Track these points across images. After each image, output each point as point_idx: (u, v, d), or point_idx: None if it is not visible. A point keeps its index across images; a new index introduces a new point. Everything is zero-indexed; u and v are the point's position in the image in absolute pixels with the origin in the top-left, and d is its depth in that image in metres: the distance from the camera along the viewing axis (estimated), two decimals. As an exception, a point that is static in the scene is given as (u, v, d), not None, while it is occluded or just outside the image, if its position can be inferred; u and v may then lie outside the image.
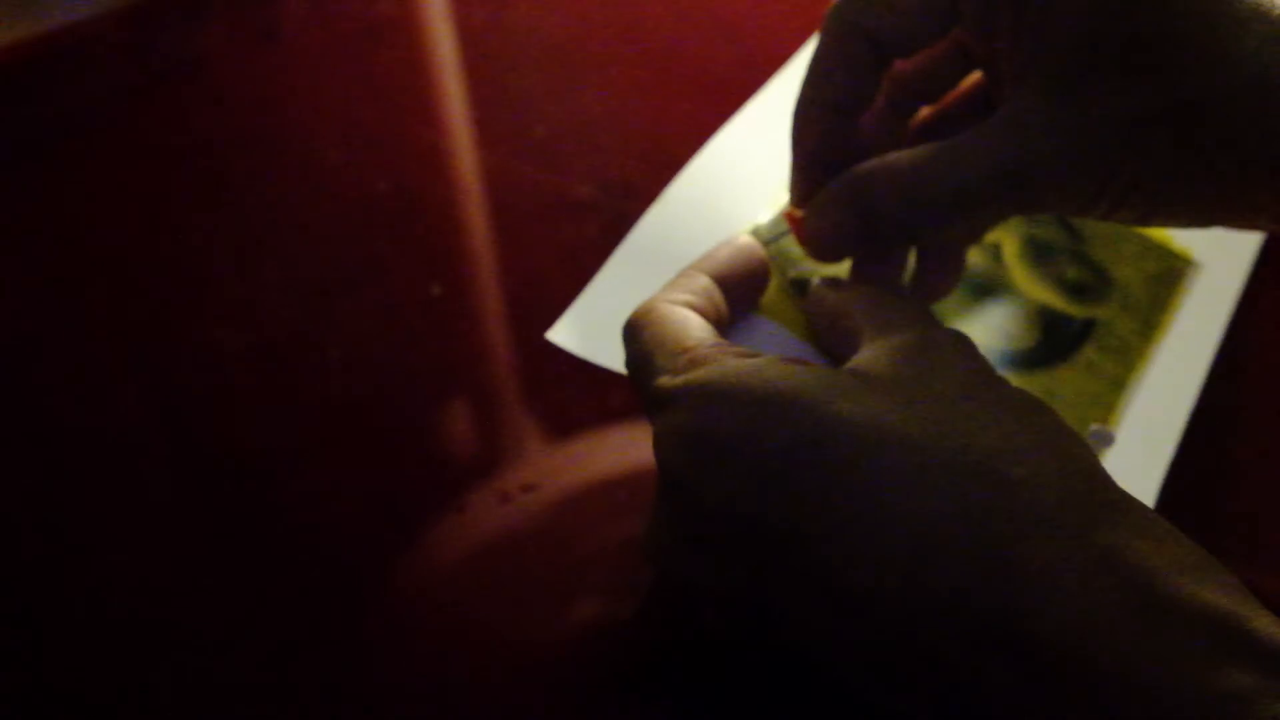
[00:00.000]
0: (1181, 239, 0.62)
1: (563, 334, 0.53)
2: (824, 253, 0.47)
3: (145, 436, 0.60)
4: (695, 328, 0.45)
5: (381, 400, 0.61)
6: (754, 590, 0.38)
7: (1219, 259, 0.62)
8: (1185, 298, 0.60)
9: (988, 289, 0.58)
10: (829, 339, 0.47)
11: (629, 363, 0.46)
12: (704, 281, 0.48)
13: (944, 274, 0.51)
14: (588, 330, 0.53)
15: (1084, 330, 0.57)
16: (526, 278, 0.67)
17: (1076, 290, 0.59)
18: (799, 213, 0.49)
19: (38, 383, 0.62)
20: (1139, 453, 0.54)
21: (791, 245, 0.52)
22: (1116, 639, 0.32)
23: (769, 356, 0.40)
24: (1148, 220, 0.42)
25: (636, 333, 0.46)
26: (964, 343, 0.40)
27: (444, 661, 0.53)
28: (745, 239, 0.50)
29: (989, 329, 0.57)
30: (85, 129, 0.74)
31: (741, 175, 0.59)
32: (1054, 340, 0.57)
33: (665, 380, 0.42)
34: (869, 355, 0.40)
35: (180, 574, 0.56)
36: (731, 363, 0.40)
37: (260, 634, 0.54)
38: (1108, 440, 0.54)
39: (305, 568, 0.55)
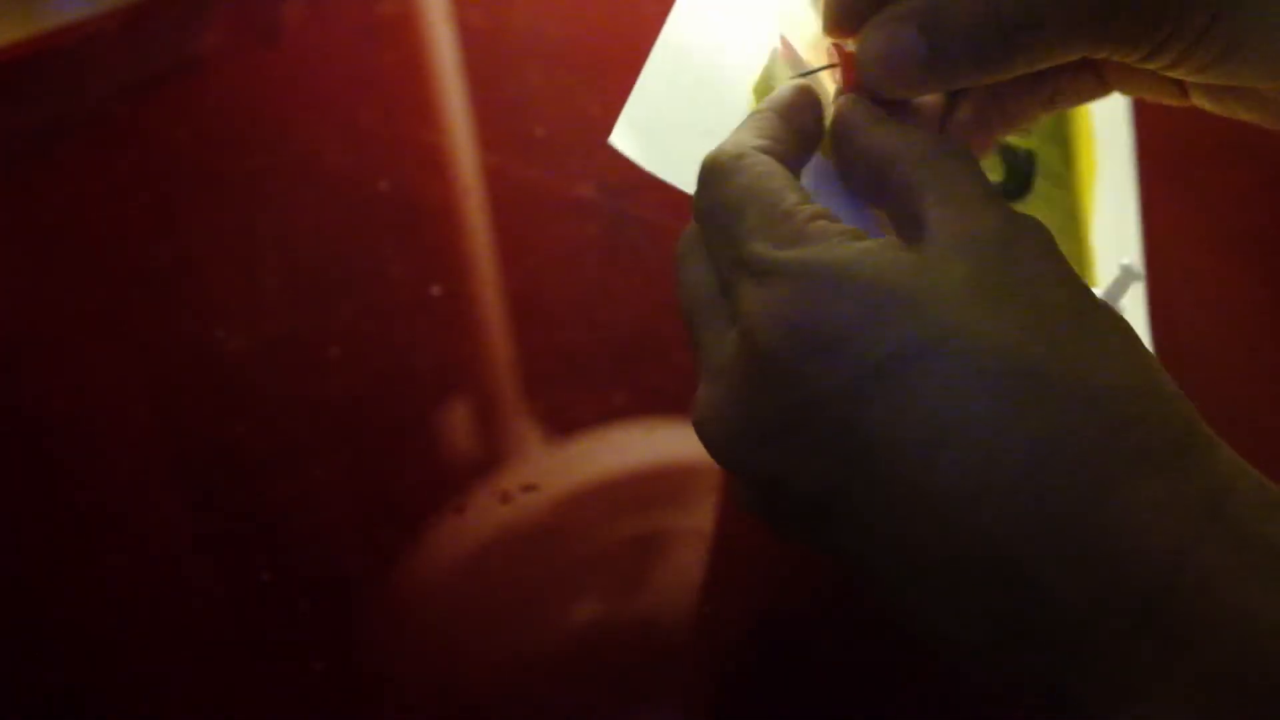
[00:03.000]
0: None
1: (622, 138, 0.48)
2: (882, 83, 0.43)
3: (145, 436, 0.60)
4: (792, 189, 0.41)
5: (381, 400, 0.61)
6: (829, 486, 0.37)
7: None
8: (1089, 124, 0.59)
9: None
10: (864, 182, 0.43)
11: (710, 208, 0.42)
12: (781, 125, 0.44)
13: (983, 132, 0.47)
14: (649, 136, 0.47)
15: (1030, 160, 0.57)
16: (526, 278, 0.67)
17: None
18: (848, 43, 0.45)
19: (37, 382, 0.62)
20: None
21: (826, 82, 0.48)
22: (1224, 581, 0.33)
23: (876, 242, 0.38)
24: (1226, 61, 0.41)
25: (723, 179, 0.41)
26: (1048, 237, 0.39)
27: (444, 661, 0.53)
28: (803, 82, 0.46)
29: None
30: (85, 129, 0.74)
31: None
32: (1014, 173, 0.57)
33: (766, 249, 0.39)
34: (951, 242, 0.38)
35: (179, 573, 0.56)
36: (841, 248, 0.38)
37: (260, 633, 0.54)
38: (1136, 276, 0.55)
39: (305, 567, 0.55)
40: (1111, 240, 0.57)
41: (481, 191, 0.72)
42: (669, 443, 0.62)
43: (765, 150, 0.42)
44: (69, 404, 0.61)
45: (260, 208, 0.70)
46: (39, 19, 0.78)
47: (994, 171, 0.57)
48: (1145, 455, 0.34)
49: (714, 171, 0.42)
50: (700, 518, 0.60)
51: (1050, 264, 0.38)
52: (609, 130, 0.45)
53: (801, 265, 0.38)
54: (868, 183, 0.43)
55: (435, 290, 0.66)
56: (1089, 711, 0.34)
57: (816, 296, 0.37)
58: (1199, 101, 0.46)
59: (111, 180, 0.71)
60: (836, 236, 0.39)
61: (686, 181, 0.45)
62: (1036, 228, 0.39)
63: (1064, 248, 0.40)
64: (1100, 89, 0.49)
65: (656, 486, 0.60)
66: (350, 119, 0.75)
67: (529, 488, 0.58)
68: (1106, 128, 0.61)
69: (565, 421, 0.61)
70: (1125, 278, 0.55)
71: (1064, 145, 0.58)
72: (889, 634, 0.57)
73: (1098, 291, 0.54)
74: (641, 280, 0.67)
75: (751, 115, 0.44)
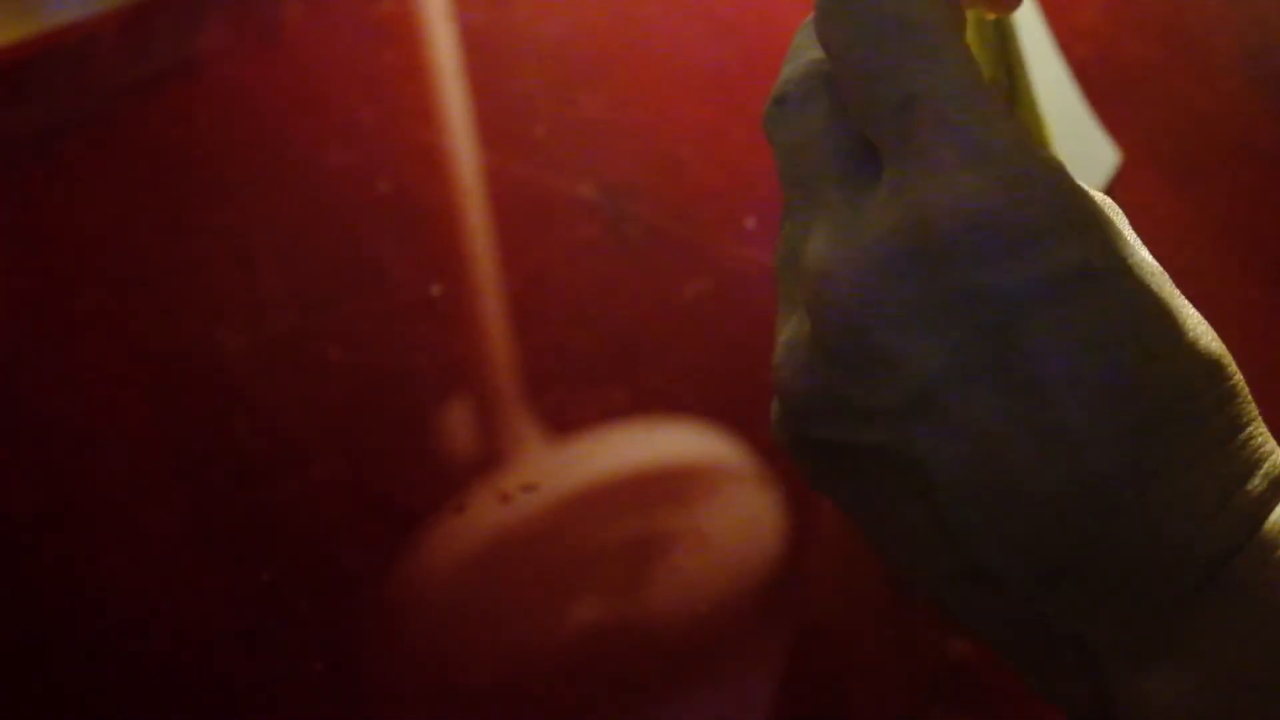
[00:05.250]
0: None
1: None
2: None
3: (145, 436, 0.60)
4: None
5: (381, 400, 0.61)
6: (946, 375, 0.35)
7: None
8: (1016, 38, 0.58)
9: None
10: None
11: (868, 19, 0.36)
12: None
13: None
14: None
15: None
16: (526, 278, 0.67)
17: None
18: None
19: (37, 382, 0.62)
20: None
21: None
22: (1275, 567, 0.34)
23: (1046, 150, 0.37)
24: None
25: (895, 7, 0.36)
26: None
27: (444, 662, 0.53)
28: None
29: None
30: (85, 129, 0.74)
31: None
32: None
33: (975, 117, 0.35)
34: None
35: (179, 573, 0.56)
36: (1042, 151, 0.36)
37: (260, 633, 0.54)
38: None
39: (305, 568, 0.55)
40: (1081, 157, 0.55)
41: (481, 191, 0.72)
42: (669, 443, 0.62)
43: None
44: (69, 404, 0.61)
45: (260, 207, 0.70)
46: (39, 19, 0.78)
47: None
48: (1230, 435, 0.35)
49: None
50: (700, 518, 0.60)
51: (1127, 228, 0.38)
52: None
53: (1016, 154, 0.35)
54: None
55: (435, 290, 0.66)
56: (1111, 674, 0.35)
57: (1022, 192, 0.35)
58: None
59: (111, 180, 0.71)
60: (1024, 133, 0.36)
61: None
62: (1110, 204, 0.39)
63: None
64: None
65: (656, 486, 0.60)
66: (350, 119, 0.75)
67: (529, 488, 0.58)
68: (1031, 46, 0.57)
69: (565, 421, 0.61)
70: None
71: (1009, 70, 0.56)
72: (889, 633, 0.57)
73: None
74: (641, 280, 0.67)
75: None
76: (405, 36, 0.81)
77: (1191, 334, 0.35)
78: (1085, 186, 0.36)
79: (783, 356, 0.38)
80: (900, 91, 0.36)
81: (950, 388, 0.35)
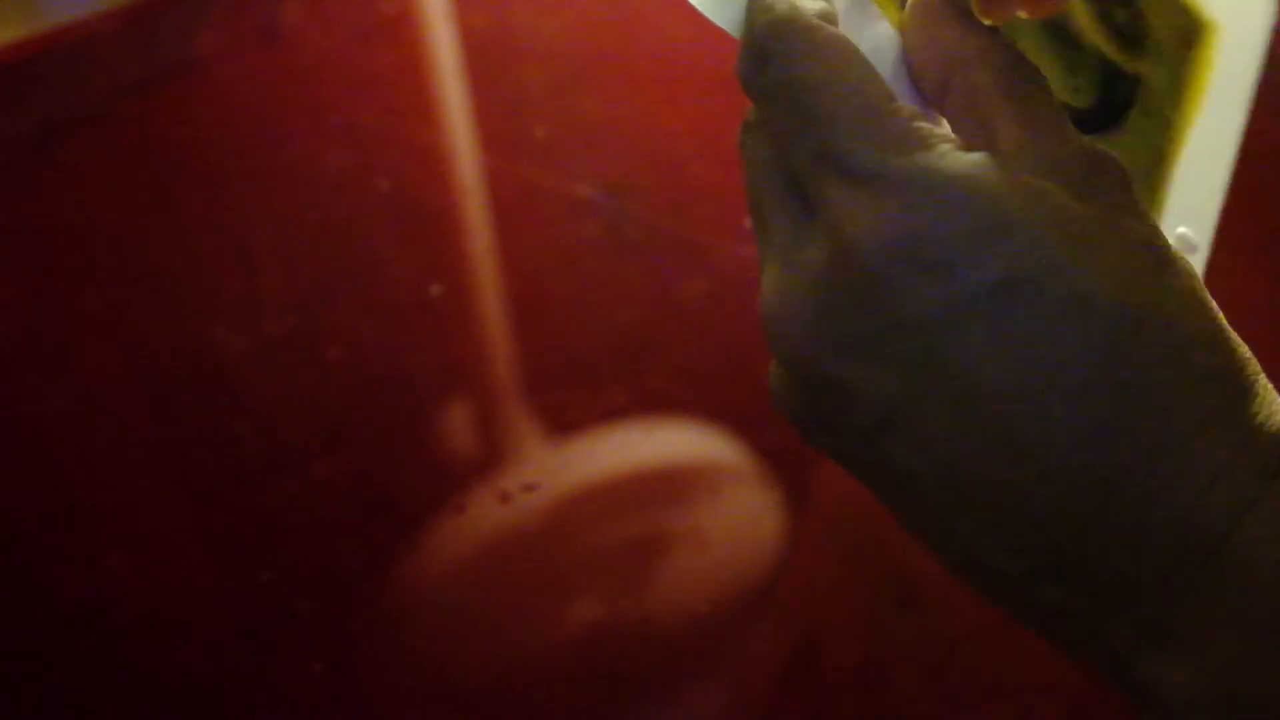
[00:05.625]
0: None
1: None
2: None
3: (145, 435, 0.60)
4: (877, 77, 0.38)
5: (381, 400, 0.61)
6: (900, 403, 0.36)
7: (1239, 19, 0.53)
8: (1212, 59, 0.55)
9: (1057, 29, 0.52)
10: (933, 74, 0.41)
11: (780, 86, 0.38)
12: None
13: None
14: None
15: (1132, 88, 0.53)
16: (526, 278, 0.67)
17: (1127, 36, 0.54)
18: None
19: (37, 381, 0.62)
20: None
21: None
22: (1276, 544, 0.34)
23: (982, 156, 0.37)
24: None
25: (799, 52, 0.38)
26: (1126, 176, 0.38)
27: (444, 661, 0.53)
28: None
29: (1057, 80, 0.52)
30: (85, 129, 0.74)
31: None
32: (1111, 100, 0.53)
33: (868, 152, 0.36)
34: (1038, 166, 0.37)
35: (178, 573, 0.56)
36: (952, 161, 0.36)
37: (260, 633, 0.54)
38: (1191, 248, 0.52)
39: (304, 567, 0.55)
40: (1185, 197, 0.54)
41: (481, 191, 0.72)
42: (669, 443, 0.62)
43: (823, 16, 0.39)
44: (69, 404, 0.61)
45: (260, 207, 0.70)
46: (39, 19, 0.78)
47: (1088, 92, 0.53)
48: (1219, 412, 0.35)
49: (784, 37, 0.38)
50: (700, 518, 0.60)
51: (1129, 201, 0.38)
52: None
53: (911, 178, 0.36)
54: (935, 76, 0.41)
55: (435, 290, 0.66)
56: (1122, 652, 0.35)
57: (926, 214, 0.36)
58: None
59: (111, 180, 0.71)
60: (942, 144, 0.37)
61: (732, 22, 0.40)
62: (1116, 164, 0.38)
63: (1140, 195, 0.39)
64: None
65: (656, 486, 0.60)
66: (350, 119, 0.75)
67: (529, 488, 0.58)
68: (1231, 57, 0.56)
69: (565, 421, 0.61)
70: (1179, 246, 0.52)
71: (1177, 70, 0.54)
72: (889, 633, 0.57)
73: None
74: (641, 280, 0.67)
75: None
76: (405, 36, 0.81)
77: (1156, 323, 0.35)
78: (1028, 181, 0.36)
79: (772, 378, 0.40)
80: (808, 150, 0.37)
81: (907, 410, 0.36)
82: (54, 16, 0.78)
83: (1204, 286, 0.37)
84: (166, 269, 0.67)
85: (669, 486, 0.61)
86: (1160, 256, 0.36)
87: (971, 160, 0.36)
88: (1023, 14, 0.46)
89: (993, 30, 0.42)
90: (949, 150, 0.37)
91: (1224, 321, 0.37)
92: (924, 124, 0.37)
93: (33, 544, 0.56)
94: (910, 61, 0.42)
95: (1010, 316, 0.35)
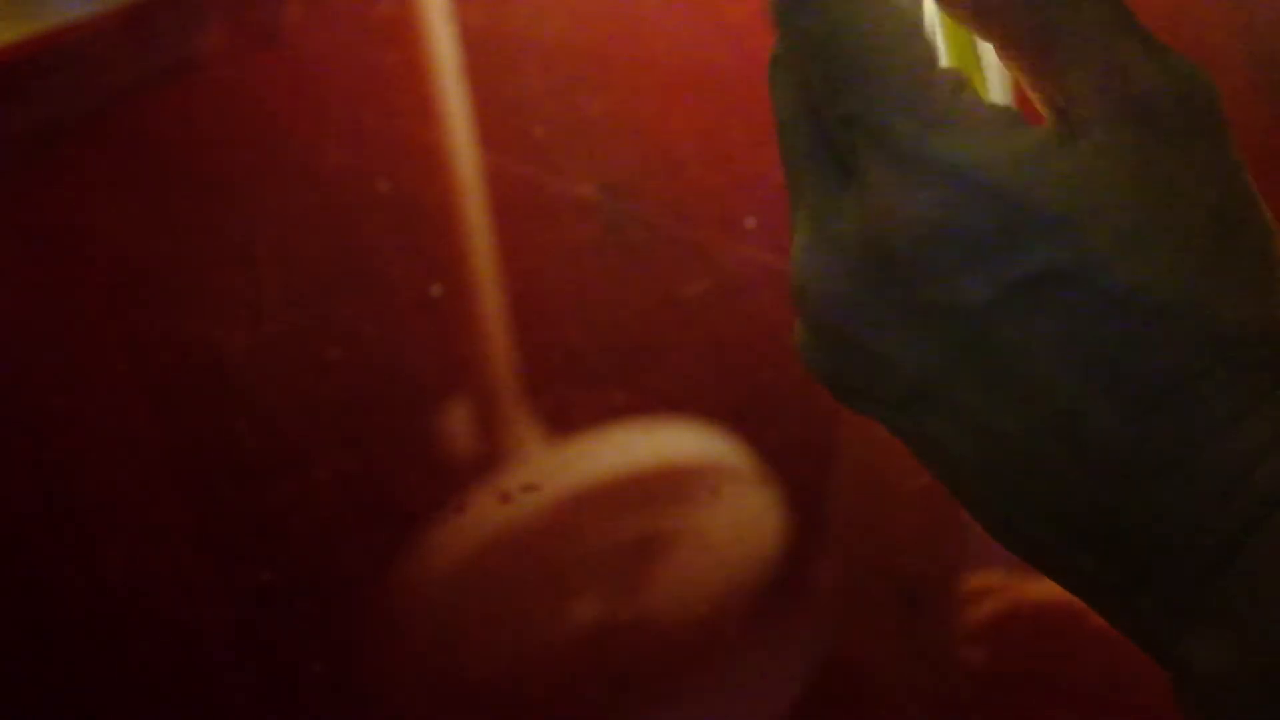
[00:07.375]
0: None
1: None
2: None
3: (145, 436, 0.60)
4: (923, 36, 0.36)
5: (381, 400, 0.61)
6: (935, 378, 0.36)
7: None
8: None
9: None
10: (1005, 34, 0.37)
11: (817, 37, 0.36)
12: None
13: None
14: None
15: None
16: (526, 278, 0.67)
17: None
18: None
19: (37, 381, 0.62)
20: None
21: None
22: None
23: (1032, 136, 0.35)
24: None
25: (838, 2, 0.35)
26: (1213, 98, 0.36)
27: (444, 661, 0.53)
28: None
29: None
30: (85, 129, 0.74)
31: None
32: None
33: (909, 127, 0.35)
34: (1109, 134, 0.35)
35: (179, 572, 0.56)
36: (997, 144, 0.35)
37: (260, 633, 0.54)
38: None
39: (305, 568, 0.55)
40: None
41: (481, 191, 0.72)
42: (669, 443, 0.62)
43: None
44: (69, 404, 0.61)
45: (260, 207, 0.70)
46: (39, 19, 0.78)
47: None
48: (1259, 400, 0.35)
49: None
50: (700, 518, 0.60)
51: (1210, 141, 0.37)
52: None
53: (950, 169, 0.35)
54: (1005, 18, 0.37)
55: (435, 290, 0.66)
56: (1155, 629, 0.35)
57: (965, 211, 0.35)
58: None
59: (111, 180, 0.71)
60: (989, 124, 0.35)
61: None
62: (1205, 87, 0.36)
63: None
64: None
65: (656, 486, 0.60)
66: (350, 119, 0.75)
67: (529, 488, 0.58)
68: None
69: (565, 421, 0.61)
70: None
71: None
72: (889, 632, 0.57)
73: None
74: (641, 280, 0.67)
75: None
76: (405, 36, 0.81)
77: (1204, 314, 0.35)
78: (1079, 162, 0.35)
79: (799, 336, 0.39)
80: (842, 110, 0.36)
81: (942, 386, 0.36)
82: (54, 16, 0.78)
83: (1271, 253, 0.36)
84: (166, 269, 0.67)
85: (669, 486, 0.61)
86: (1223, 229, 0.35)
87: (1014, 148, 0.35)
88: None
89: None
90: (993, 131, 0.35)
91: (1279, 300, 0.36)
92: (969, 95, 0.36)
93: (33, 544, 0.56)
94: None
95: (1049, 310, 0.35)
